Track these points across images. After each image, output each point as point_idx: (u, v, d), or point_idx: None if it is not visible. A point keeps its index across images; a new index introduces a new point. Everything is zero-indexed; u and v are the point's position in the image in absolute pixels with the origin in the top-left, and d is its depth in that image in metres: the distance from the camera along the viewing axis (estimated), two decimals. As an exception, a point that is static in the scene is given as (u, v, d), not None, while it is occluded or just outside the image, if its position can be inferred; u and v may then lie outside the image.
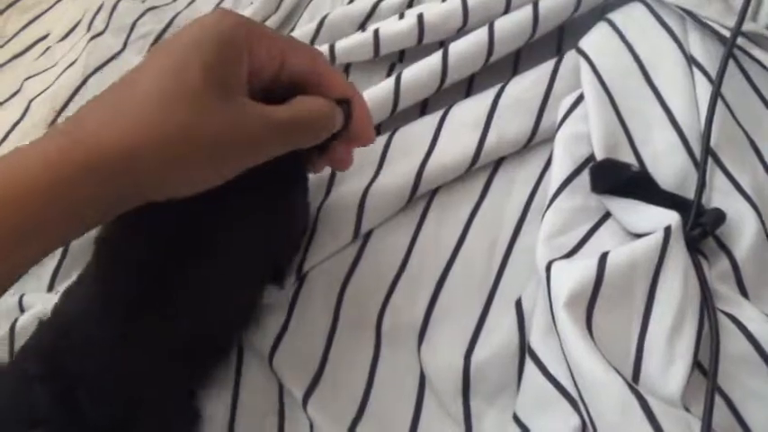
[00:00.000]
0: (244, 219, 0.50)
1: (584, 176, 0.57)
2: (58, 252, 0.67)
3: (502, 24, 0.63)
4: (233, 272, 0.51)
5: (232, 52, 0.41)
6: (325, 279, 0.59)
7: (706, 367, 0.49)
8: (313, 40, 0.71)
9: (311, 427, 0.54)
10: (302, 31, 0.72)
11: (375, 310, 0.57)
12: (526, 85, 0.63)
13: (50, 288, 0.65)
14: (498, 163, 0.62)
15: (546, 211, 0.56)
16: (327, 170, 0.62)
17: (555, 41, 0.68)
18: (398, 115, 0.65)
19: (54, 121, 0.79)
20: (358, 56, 0.67)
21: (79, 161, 0.37)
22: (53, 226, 0.38)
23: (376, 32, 0.66)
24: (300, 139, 0.45)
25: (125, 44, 0.82)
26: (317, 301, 0.58)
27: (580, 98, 0.60)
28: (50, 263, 0.66)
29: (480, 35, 0.63)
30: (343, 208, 0.60)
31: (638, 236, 0.53)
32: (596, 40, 0.62)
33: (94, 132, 0.38)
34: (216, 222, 0.48)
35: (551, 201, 0.56)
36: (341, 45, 0.67)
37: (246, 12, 0.77)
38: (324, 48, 0.67)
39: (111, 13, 0.84)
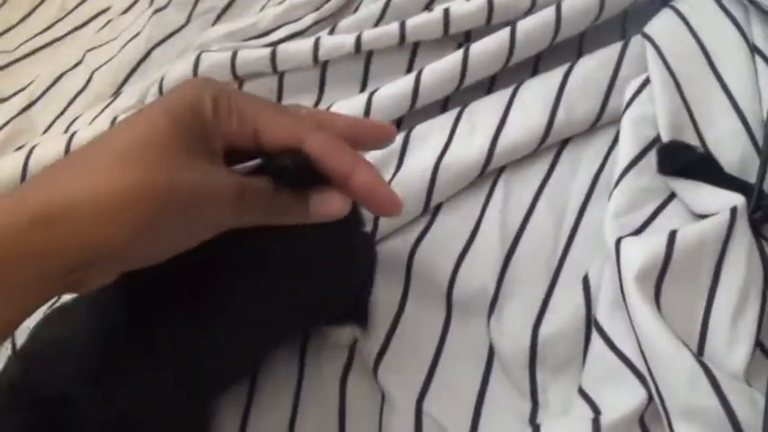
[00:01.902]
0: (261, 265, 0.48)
1: (651, 157, 0.58)
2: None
3: (569, 5, 0.65)
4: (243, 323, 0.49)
5: (199, 121, 0.38)
6: (395, 248, 0.61)
7: (767, 347, 0.50)
8: (379, 21, 0.72)
9: (382, 395, 0.56)
10: (368, 10, 0.73)
11: (445, 281, 0.59)
12: (594, 67, 0.64)
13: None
14: (565, 142, 0.64)
15: (613, 190, 0.57)
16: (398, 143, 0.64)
17: (619, 25, 0.69)
18: (465, 90, 0.66)
19: (116, 92, 0.81)
20: (428, 34, 0.69)
21: (27, 212, 0.34)
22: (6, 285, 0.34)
23: (446, 11, 0.68)
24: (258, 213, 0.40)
25: (188, 19, 0.83)
26: (388, 269, 0.60)
27: (646, 81, 0.61)
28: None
29: (548, 15, 0.65)
30: (413, 180, 0.62)
31: (703, 217, 0.54)
32: (662, 26, 0.64)
33: (48, 185, 0.36)
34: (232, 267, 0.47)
35: (618, 180, 0.57)
36: (411, 23, 0.69)
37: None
38: (394, 25, 0.69)
39: (175, -11, 0.85)
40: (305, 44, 0.70)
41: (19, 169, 0.72)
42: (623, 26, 0.69)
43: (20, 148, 0.78)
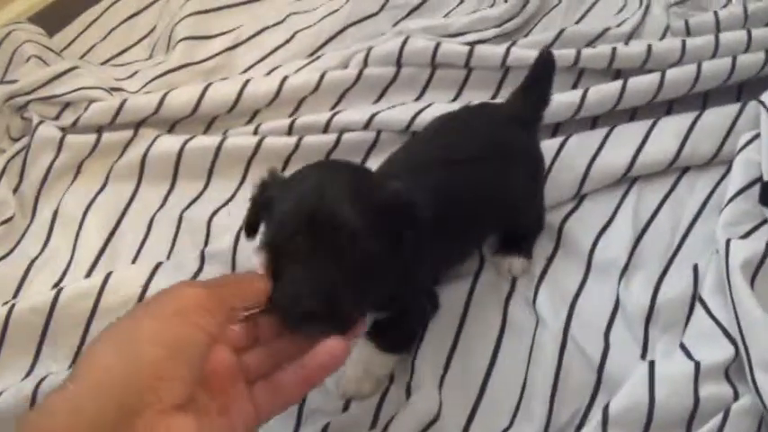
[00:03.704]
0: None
1: (754, 190, 0.77)
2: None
3: (708, 66, 0.86)
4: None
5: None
6: (550, 218, 0.80)
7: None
8: (550, 46, 0.91)
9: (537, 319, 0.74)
10: (544, 35, 0.94)
11: (587, 247, 0.78)
12: (717, 117, 0.84)
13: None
14: (686, 169, 0.84)
15: (724, 208, 0.76)
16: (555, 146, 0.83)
17: (735, 90, 0.90)
18: (616, 113, 0.86)
19: (313, 53, 0.98)
20: (595, 64, 0.89)
21: None
22: None
23: (613, 50, 0.88)
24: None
25: (381, 8, 1.01)
26: (542, 231, 0.80)
27: (756, 136, 0.81)
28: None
29: (691, 70, 0.85)
30: (570, 172, 0.81)
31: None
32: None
33: None
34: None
35: (728, 201, 0.77)
36: (586, 53, 0.89)
37: (494, 12, 0.98)
38: (571, 51, 0.89)
39: (374, -22, 1.03)
40: (497, 50, 0.89)
41: (234, 94, 0.90)
42: (739, 91, 0.90)
43: (223, 79, 0.95)
